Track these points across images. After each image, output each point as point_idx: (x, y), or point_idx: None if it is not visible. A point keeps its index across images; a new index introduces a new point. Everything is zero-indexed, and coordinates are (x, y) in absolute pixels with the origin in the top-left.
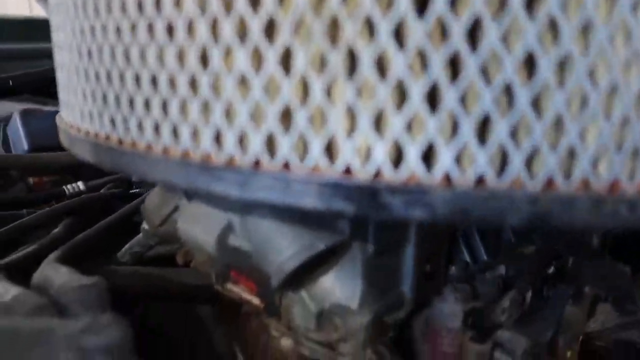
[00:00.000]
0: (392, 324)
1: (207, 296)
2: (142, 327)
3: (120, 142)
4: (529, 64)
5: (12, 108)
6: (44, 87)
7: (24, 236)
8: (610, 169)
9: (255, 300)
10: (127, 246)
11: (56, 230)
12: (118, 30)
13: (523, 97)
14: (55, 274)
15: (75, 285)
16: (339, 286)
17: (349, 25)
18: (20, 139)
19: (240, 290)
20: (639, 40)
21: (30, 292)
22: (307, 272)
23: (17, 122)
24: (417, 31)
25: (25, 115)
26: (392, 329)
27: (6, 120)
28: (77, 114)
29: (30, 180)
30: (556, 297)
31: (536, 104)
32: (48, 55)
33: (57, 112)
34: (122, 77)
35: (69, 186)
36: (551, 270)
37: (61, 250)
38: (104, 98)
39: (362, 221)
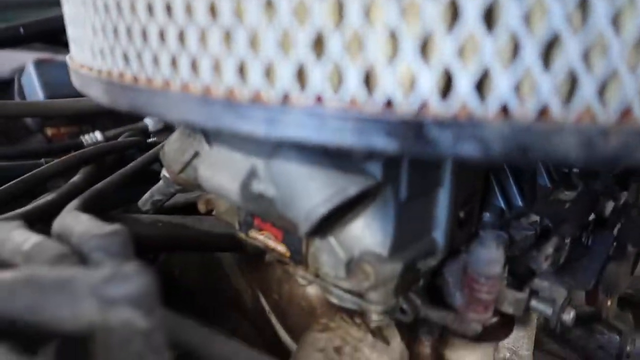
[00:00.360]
0: (424, 271)
1: (230, 245)
2: (163, 276)
3: (135, 79)
4: None
5: (25, 58)
6: (55, 36)
7: (43, 185)
8: None
9: (281, 248)
10: (147, 194)
11: (74, 178)
12: None
13: (601, 10)
14: (75, 221)
15: (97, 233)
16: (370, 232)
17: None
18: (35, 90)
19: (265, 238)
20: None
21: (51, 240)
22: (336, 218)
23: (31, 73)
24: None
25: (39, 65)
26: (423, 276)
27: (20, 70)
28: (87, 52)
29: (49, 132)
30: (596, 246)
31: (616, 20)
32: (59, 3)
33: None
34: (133, 6)
35: (86, 136)
36: (591, 217)
37: (81, 199)
38: (115, 31)
39: (396, 163)
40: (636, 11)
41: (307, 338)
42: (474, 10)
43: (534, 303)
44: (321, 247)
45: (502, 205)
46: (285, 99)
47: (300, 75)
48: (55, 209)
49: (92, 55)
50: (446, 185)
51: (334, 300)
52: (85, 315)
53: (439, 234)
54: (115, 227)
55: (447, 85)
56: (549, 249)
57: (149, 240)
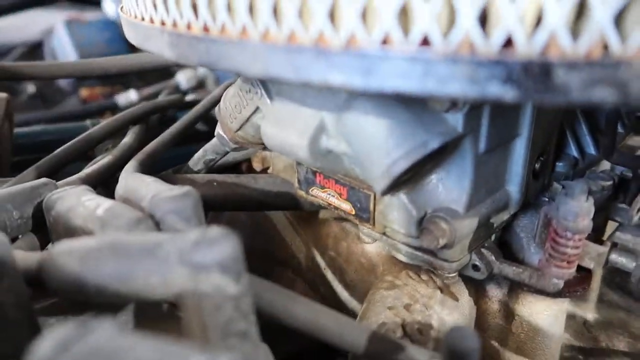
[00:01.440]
0: (497, 225)
1: (287, 203)
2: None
3: (206, 29)
4: None
5: (53, 18)
6: None
7: (91, 148)
8: None
9: (345, 206)
10: (199, 153)
11: (126, 139)
12: None
13: None
14: (141, 184)
15: (169, 195)
16: (445, 188)
17: None
18: (67, 50)
19: (328, 196)
20: None
21: (124, 205)
22: (412, 173)
23: (62, 33)
24: None
25: (70, 25)
26: (496, 230)
27: (49, 31)
28: (148, 1)
29: (83, 93)
30: None
31: None
32: None
33: (103, 20)
34: None
35: (121, 96)
36: None
37: (136, 160)
38: None
39: (477, 113)
40: None
41: (375, 296)
42: None
43: (614, 256)
44: (391, 204)
45: (576, 154)
46: (385, 43)
47: (403, 15)
48: (113, 171)
49: (154, 4)
50: (524, 134)
51: (402, 258)
52: (177, 281)
53: (514, 187)
54: (185, 188)
55: (578, 16)
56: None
57: (205, 201)
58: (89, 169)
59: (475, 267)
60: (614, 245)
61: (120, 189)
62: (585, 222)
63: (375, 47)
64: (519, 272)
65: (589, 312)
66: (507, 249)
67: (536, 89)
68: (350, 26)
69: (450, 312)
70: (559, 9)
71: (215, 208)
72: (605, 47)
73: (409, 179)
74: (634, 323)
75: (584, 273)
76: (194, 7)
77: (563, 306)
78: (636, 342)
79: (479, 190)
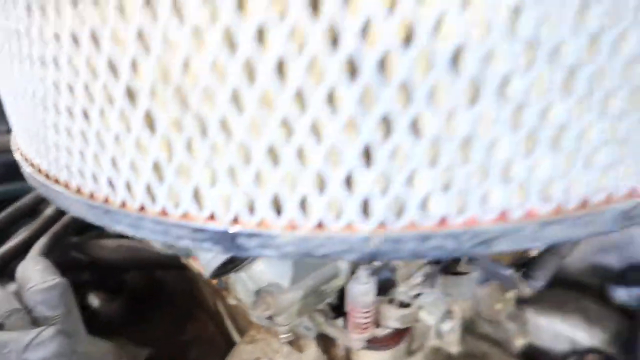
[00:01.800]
0: (329, 292)
1: (178, 264)
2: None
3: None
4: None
5: None
6: None
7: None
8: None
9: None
10: None
11: (36, 222)
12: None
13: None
14: (31, 270)
15: (39, 288)
16: (271, 268)
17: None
18: None
19: (197, 265)
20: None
21: (6, 295)
22: (235, 264)
23: None
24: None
25: None
26: (330, 295)
27: None
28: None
29: None
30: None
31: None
32: None
33: None
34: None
35: None
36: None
37: (45, 240)
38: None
39: None
40: (379, 151)
41: (237, 348)
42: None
43: (422, 314)
44: (236, 279)
45: None
46: (142, 209)
47: (150, 193)
48: (23, 250)
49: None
50: None
51: (253, 319)
52: None
53: (342, 261)
54: (56, 281)
55: (251, 206)
56: (418, 278)
57: (113, 264)
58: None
59: (307, 327)
60: (421, 307)
61: (18, 272)
62: (368, 300)
63: (136, 211)
64: (338, 332)
65: (453, 346)
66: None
67: (230, 247)
68: (122, 194)
69: None
70: (238, 199)
71: (122, 270)
72: (266, 225)
73: (237, 266)
74: (495, 355)
75: (401, 329)
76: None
77: (385, 355)
78: None
79: (303, 267)
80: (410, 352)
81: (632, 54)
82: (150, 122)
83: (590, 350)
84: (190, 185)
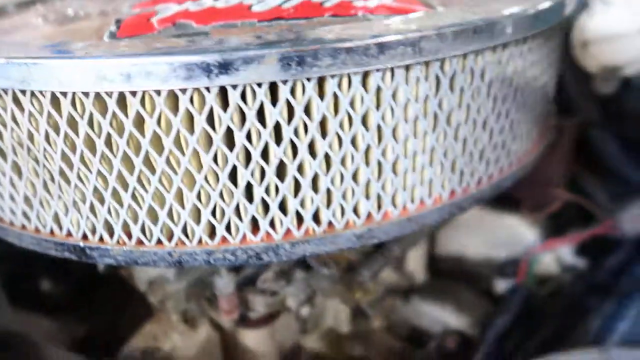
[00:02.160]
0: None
1: None
2: None
3: None
4: None
5: None
6: None
7: None
8: None
9: None
10: None
11: None
12: None
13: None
14: None
15: None
16: None
17: None
18: None
19: None
20: None
21: None
22: None
23: None
24: None
25: None
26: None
27: None
28: None
29: None
30: None
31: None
32: None
33: None
34: None
35: None
36: None
37: None
38: None
39: None
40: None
41: (143, 328)
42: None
43: (288, 301)
44: (133, 271)
45: None
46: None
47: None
48: None
49: None
50: None
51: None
52: None
53: None
54: None
55: (94, 228)
56: (269, 274)
57: None
58: None
59: (198, 310)
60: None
61: None
62: (228, 290)
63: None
64: (217, 315)
65: (344, 326)
66: None
67: (82, 256)
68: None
69: (185, 339)
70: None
71: None
72: (104, 241)
73: None
74: (379, 335)
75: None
76: None
77: (260, 332)
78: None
79: None
80: (304, 331)
81: None
82: (17, 170)
83: (454, 333)
84: (51, 212)
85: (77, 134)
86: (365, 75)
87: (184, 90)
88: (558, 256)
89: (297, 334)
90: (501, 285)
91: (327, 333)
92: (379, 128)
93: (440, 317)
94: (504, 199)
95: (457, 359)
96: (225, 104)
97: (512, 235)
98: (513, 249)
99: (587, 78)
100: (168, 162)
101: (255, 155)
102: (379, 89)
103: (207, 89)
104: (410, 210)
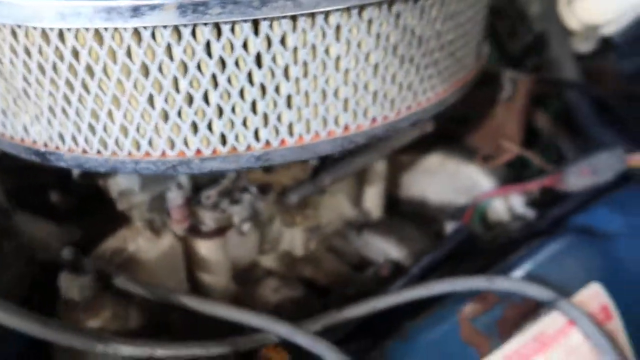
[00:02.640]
0: None
1: None
2: None
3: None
4: None
5: None
6: None
7: None
8: None
9: None
10: None
11: None
12: None
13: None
14: None
15: None
16: (125, 178)
17: None
18: None
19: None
20: None
21: None
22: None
23: None
24: None
25: None
26: None
27: None
28: None
29: None
30: None
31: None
32: None
33: None
34: None
35: None
36: None
37: None
38: None
39: None
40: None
41: (115, 234)
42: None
43: (234, 217)
44: (107, 182)
45: None
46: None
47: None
48: None
49: None
50: None
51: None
52: None
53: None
54: None
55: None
56: (212, 192)
57: None
58: None
59: (161, 221)
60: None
61: None
62: (177, 202)
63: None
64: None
65: (298, 250)
66: None
67: (44, 159)
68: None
69: (149, 245)
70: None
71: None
72: (59, 148)
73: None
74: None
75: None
76: None
77: (210, 243)
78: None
79: (151, 178)
80: (262, 252)
81: None
82: None
83: (390, 262)
84: (20, 123)
85: (32, 60)
86: (256, 23)
87: (106, 29)
88: (510, 205)
89: (255, 254)
90: (448, 227)
91: (283, 255)
92: (270, 68)
93: (384, 248)
94: (466, 149)
95: (389, 284)
96: (140, 43)
97: (472, 183)
98: (472, 196)
99: (568, 37)
100: (100, 86)
101: (167, 85)
102: (268, 36)
103: (125, 29)
104: (306, 140)
